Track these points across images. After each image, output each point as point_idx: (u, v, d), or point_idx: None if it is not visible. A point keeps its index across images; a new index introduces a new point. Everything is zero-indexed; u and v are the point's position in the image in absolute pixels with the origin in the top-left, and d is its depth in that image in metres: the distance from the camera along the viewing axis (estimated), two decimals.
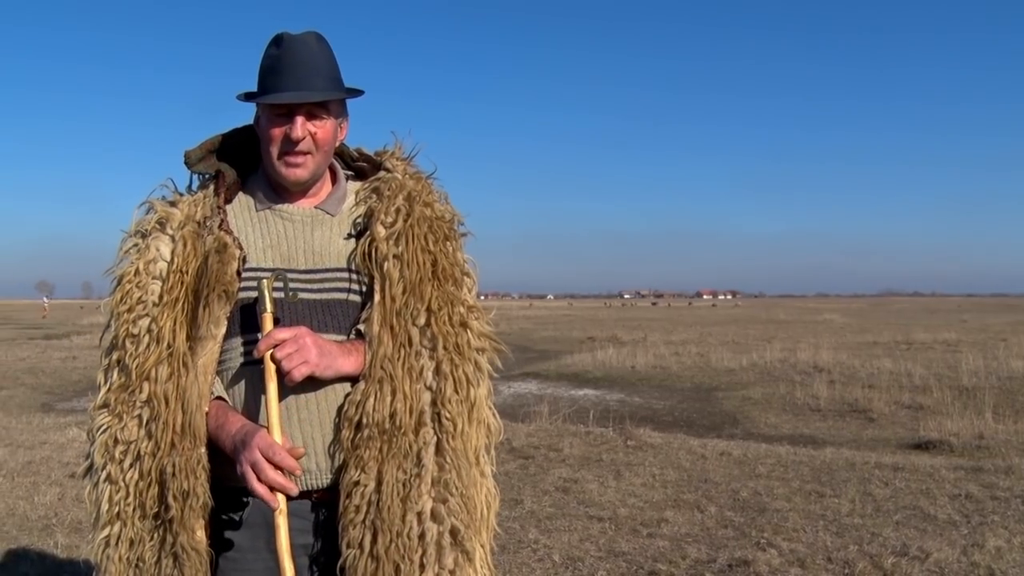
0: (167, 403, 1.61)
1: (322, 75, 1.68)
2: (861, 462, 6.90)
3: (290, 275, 1.70)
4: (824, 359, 17.01)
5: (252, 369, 1.65)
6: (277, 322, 1.63)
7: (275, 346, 1.57)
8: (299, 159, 1.70)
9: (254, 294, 1.67)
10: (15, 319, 49.81)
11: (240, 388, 1.67)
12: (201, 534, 1.61)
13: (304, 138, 1.68)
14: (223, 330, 1.66)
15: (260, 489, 1.55)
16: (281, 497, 1.57)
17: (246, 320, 1.68)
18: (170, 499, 1.59)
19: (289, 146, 1.68)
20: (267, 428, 1.58)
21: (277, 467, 1.55)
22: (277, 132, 1.68)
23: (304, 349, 1.57)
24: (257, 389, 1.64)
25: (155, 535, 1.63)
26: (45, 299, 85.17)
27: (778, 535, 4.83)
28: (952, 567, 4.26)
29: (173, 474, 1.59)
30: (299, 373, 1.57)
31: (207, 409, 1.64)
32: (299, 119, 1.67)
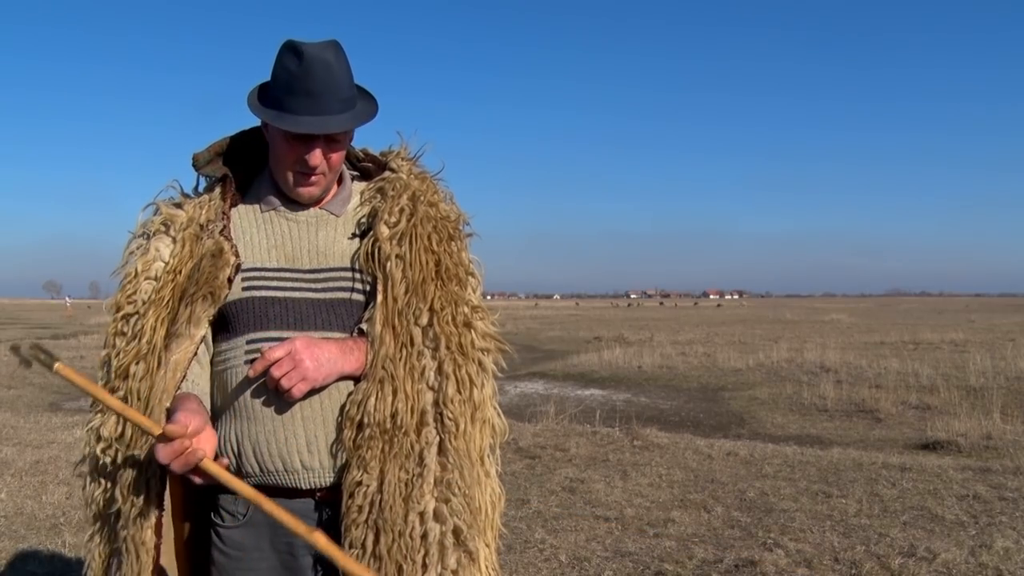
0: (138, 400, 1.63)
1: (342, 98, 1.67)
2: (868, 462, 6.88)
3: (294, 275, 1.71)
4: (831, 359, 16.97)
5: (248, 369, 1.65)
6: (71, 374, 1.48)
7: (271, 364, 1.57)
8: (314, 179, 1.72)
9: (258, 294, 1.68)
10: (24, 319, 49.99)
11: (244, 386, 1.67)
12: (149, 533, 1.60)
13: (321, 164, 1.69)
14: (202, 331, 1.66)
15: (196, 479, 1.50)
16: (209, 464, 1.48)
17: (248, 320, 1.68)
18: (117, 494, 1.61)
19: (307, 170, 1.69)
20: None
21: (170, 456, 1.46)
22: (293, 155, 1.69)
23: (301, 366, 1.58)
24: (267, 387, 1.64)
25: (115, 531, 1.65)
26: (68, 299, 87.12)
27: (785, 535, 4.82)
28: (960, 568, 4.24)
29: (125, 469, 1.61)
30: (298, 391, 1.59)
31: (168, 405, 1.61)
32: (318, 149, 1.68)
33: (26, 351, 1.46)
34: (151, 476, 1.60)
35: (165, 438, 1.46)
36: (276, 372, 1.57)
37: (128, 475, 1.60)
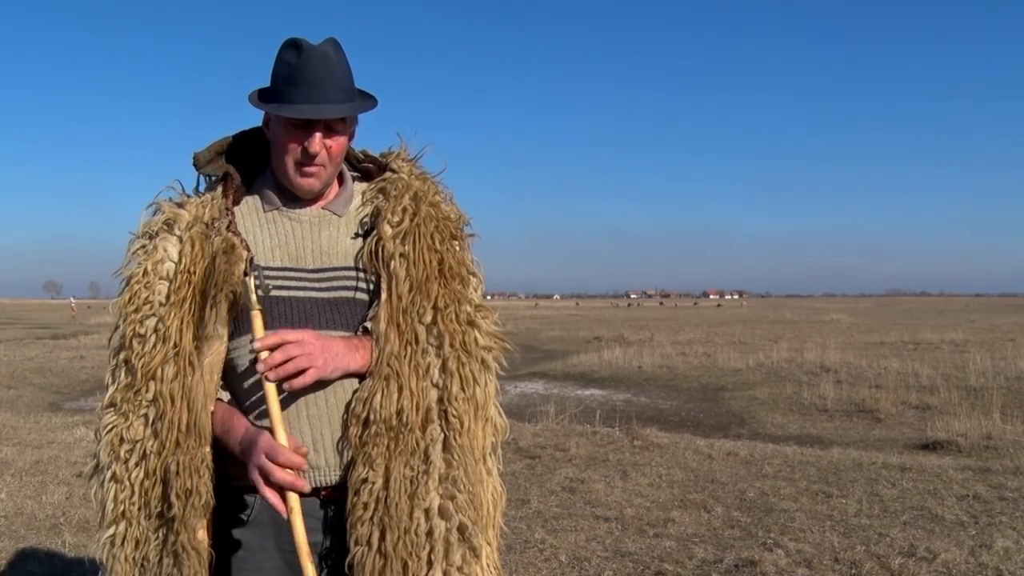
0: (173, 402, 1.62)
1: (340, 88, 1.68)
2: (868, 462, 6.89)
3: (298, 274, 1.71)
4: (831, 359, 16.98)
5: (250, 368, 1.66)
6: (264, 316, 1.64)
7: (278, 347, 1.58)
8: (313, 170, 1.71)
9: (261, 293, 1.68)
10: (24, 318, 50.00)
11: (248, 386, 1.68)
12: (203, 534, 1.62)
13: (320, 152, 1.69)
14: (229, 330, 1.67)
15: (269, 494, 1.56)
16: (293, 497, 1.58)
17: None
18: (172, 497, 1.61)
19: (305, 159, 1.69)
20: (270, 429, 1.59)
21: (284, 467, 1.56)
22: (293, 144, 1.69)
23: (311, 354, 1.58)
24: (262, 388, 1.64)
25: (159, 534, 1.64)
26: (72, 299, 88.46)
27: (785, 535, 4.82)
28: (960, 568, 4.24)
29: (177, 473, 1.60)
30: (309, 378, 1.59)
31: (212, 409, 1.64)
32: (317, 135, 1.68)
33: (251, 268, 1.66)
34: (207, 478, 1.61)
35: (299, 450, 1.58)
36: (294, 351, 1.57)
37: (184, 478, 1.60)
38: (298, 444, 1.61)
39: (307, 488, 1.59)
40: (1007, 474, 6.37)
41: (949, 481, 6.15)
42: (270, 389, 1.59)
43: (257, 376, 1.65)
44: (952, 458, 7.38)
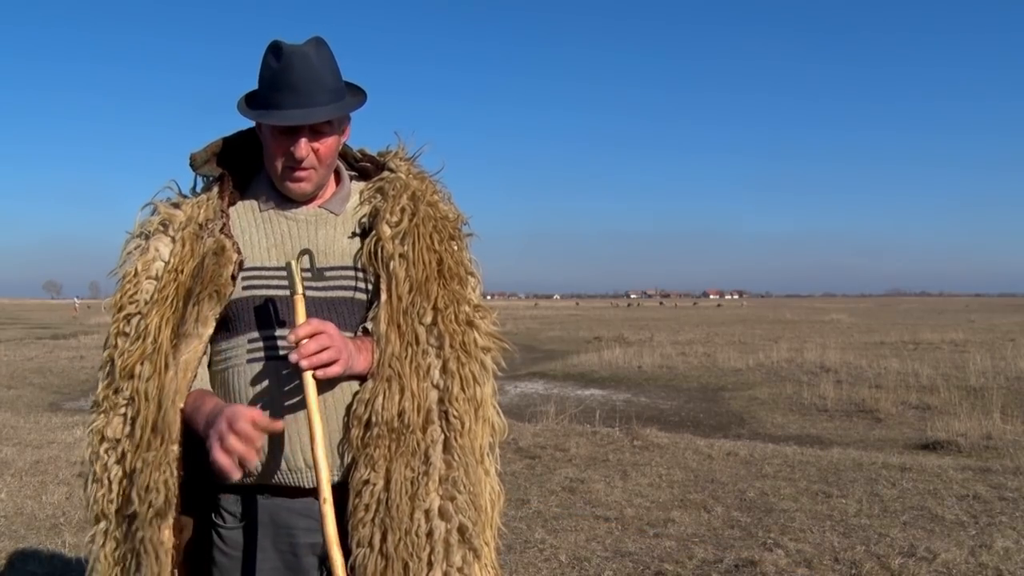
0: (147, 400, 1.61)
1: (324, 89, 1.66)
2: (868, 462, 6.89)
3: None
4: (831, 359, 16.98)
5: (266, 365, 1.65)
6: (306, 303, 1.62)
7: (316, 333, 1.54)
8: (303, 174, 1.70)
9: (258, 292, 1.68)
10: (24, 318, 50.01)
11: (246, 385, 1.67)
12: (167, 533, 1.60)
13: (307, 156, 1.68)
14: (210, 330, 1.65)
15: (222, 457, 1.48)
16: (326, 485, 1.55)
17: (249, 319, 1.68)
18: (133, 495, 1.60)
19: (293, 163, 1.68)
20: (307, 420, 1.56)
21: (239, 435, 1.48)
22: (280, 150, 1.69)
23: (338, 347, 1.56)
24: (270, 386, 1.64)
25: (128, 532, 1.64)
26: (76, 299, 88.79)
27: (785, 535, 4.82)
28: (960, 568, 4.24)
29: (140, 470, 1.60)
30: (335, 370, 1.57)
31: (182, 405, 1.62)
32: (302, 140, 1.66)
33: (304, 260, 1.66)
34: (168, 476, 1.59)
35: (273, 425, 1.55)
36: (327, 341, 1.54)
37: (146, 475, 1.59)
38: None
39: (255, 460, 1.51)
40: (1007, 474, 6.38)
41: (949, 481, 6.15)
42: (307, 379, 1.55)
43: (258, 372, 1.64)
44: (952, 458, 7.38)
